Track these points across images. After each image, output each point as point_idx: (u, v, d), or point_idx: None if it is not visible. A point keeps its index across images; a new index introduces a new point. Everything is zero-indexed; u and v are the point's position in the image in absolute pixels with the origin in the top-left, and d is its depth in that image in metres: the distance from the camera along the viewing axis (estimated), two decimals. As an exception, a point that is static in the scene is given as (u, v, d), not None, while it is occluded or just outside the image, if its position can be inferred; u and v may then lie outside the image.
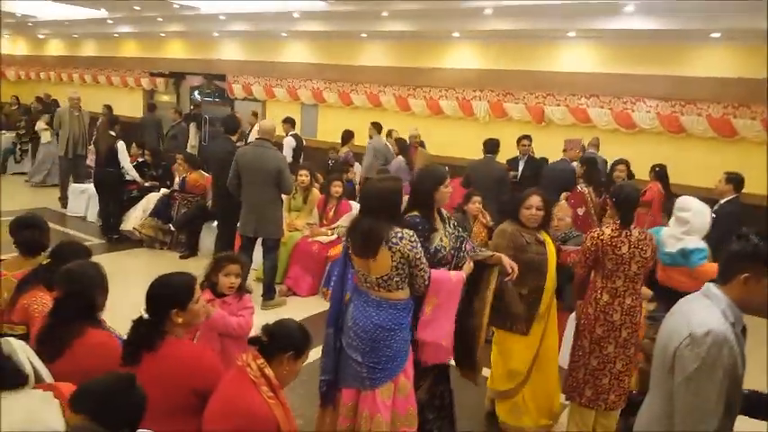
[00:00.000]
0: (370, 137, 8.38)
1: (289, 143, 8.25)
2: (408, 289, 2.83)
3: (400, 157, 7.79)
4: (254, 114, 10.20)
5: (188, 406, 2.16)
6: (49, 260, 2.88)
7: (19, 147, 11.54)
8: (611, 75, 8.00)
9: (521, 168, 7.12)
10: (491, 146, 6.27)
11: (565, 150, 6.62)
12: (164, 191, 7.25)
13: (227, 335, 2.95)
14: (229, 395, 2.09)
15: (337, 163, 7.67)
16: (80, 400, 1.69)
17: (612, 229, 3.29)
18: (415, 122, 9.27)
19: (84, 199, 8.36)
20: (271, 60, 11.32)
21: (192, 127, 10.52)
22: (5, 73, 16.67)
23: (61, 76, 15.42)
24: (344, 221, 6.07)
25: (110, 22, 11.95)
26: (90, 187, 8.33)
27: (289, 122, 8.59)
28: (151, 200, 7.17)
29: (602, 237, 3.28)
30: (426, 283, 2.82)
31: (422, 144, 8.35)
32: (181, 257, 6.83)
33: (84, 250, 2.98)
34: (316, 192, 6.44)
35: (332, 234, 5.98)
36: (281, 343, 2.19)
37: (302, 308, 5.39)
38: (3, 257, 3.22)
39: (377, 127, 8.50)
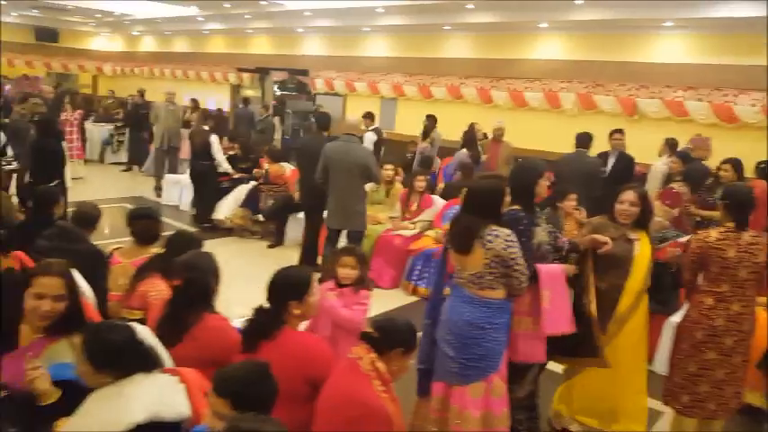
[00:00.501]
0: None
1: (369, 138, 8.35)
2: (503, 289, 2.81)
3: (464, 150, 7.75)
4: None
5: (301, 394, 2.25)
6: (163, 249, 3.07)
7: (116, 138, 12.33)
8: (711, 65, 7.54)
9: (611, 163, 6.85)
10: (583, 139, 6.07)
11: (692, 150, 6.31)
12: (252, 183, 7.53)
13: (338, 325, 3.04)
14: (343, 387, 2.16)
15: (423, 157, 7.67)
16: (224, 385, 1.78)
17: (720, 232, 3.11)
18: (497, 115, 9.13)
19: (177, 189, 8.81)
20: (353, 55, 11.46)
21: (276, 121, 10.85)
22: (103, 68, 17.84)
23: (154, 71, 16.30)
24: (427, 216, 6.09)
25: (200, 19, 12.50)
26: (183, 178, 8.78)
27: (369, 117, 8.69)
28: (241, 191, 7.47)
29: (707, 239, 3.11)
30: (523, 285, 2.79)
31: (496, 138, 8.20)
32: (268, 247, 7.10)
33: (196, 240, 3.16)
34: (398, 185, 6.49)
35: (414, 228, 6.01)
36: (392, 339, 2.23)
37: (385, 300, 5.45)
38: (118, 246, 3.47)
39: (432, 120, 8.58)
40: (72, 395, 2.00)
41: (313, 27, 11.29)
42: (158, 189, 9.31)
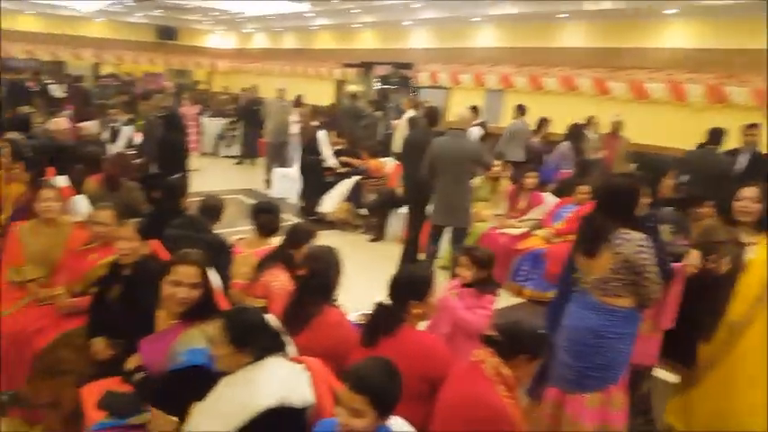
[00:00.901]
0: (514, 119, 8.27)
1: (475, 132, 8.18)
2: (631, 297, 2.63)
3: (567, 142, 7.42)
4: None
5: (419, 392, 2.23)
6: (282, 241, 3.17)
7: (229, 132, 13.00)
8: None
9: (743, 162, 6.23)
10: (715, 136, 5.57)
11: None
12: (356, 177, 7.64)
13: (458, 326, 2.99)
14: (465, 389, 2.11)
15: (532, 153, 7.42)
16: (362, 382, 1.78)
17: None
18: (615, 107, 8.61)
19: (286, 182, 9.13)
20: (460, 46, 11.29)
21: (381, 115, 10.94)
22: (217, 65, 18.87)
23: (264, 68, 17.00)
24: (536, 214, 5.86)
25: (309, 15, 12.84)
26: (291, 171, 9.09)
27: (474, 111, 8.51)
28: (345, 185, 7.61)
29: None
30: (654, 295, 2.61)
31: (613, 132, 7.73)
32: (370, 241, 7.18)
33: (312, 232, 3.23)
34: (505, 181, 6.30)
35: (521, 227, 5.81)
36: (517, 344, 2.15)
37: (490, 300, 5.33)
38: (241, 237, 3.63)
39: (521, 110, 8.46)
40: (204, 380, 2.10)
41: (420, 19, 11.24)
42: (268, 181, 9.70)
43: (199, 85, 18.06)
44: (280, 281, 2.99)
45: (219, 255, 3.55)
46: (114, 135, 6.99)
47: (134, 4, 13.51)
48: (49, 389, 2.84)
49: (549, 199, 6.09)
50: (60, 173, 4.97)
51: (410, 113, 10.10)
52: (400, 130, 9.33)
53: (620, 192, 2.65)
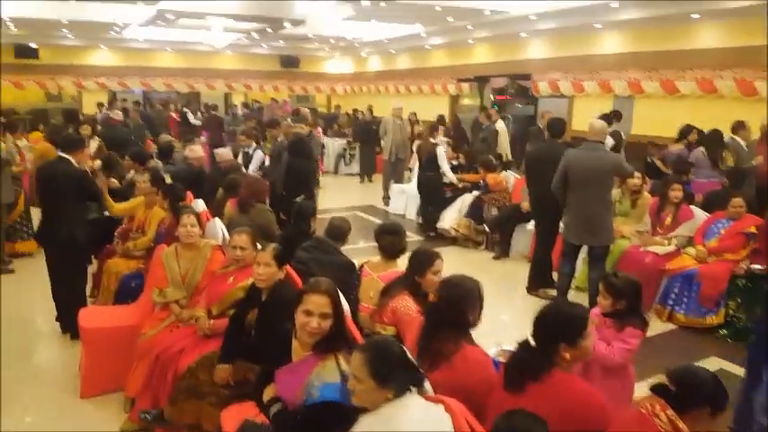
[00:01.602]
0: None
1: (607, 143, 7.61)
2: None
3: (700, 149, 6.82)
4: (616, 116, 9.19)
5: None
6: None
7: (348, 151, 13.36)
8: None
9: None
10: None
11: None
12: (475, 192, 7.40)
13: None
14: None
15: (679, 162, 6.74)
16: None
17: None
18: (764, 110, 7.65)
19: (403, 198, 9.11)
20: (581, 54, 10.71)
21: (499, 128, 10.59)
22: (335, 88, 19.55)
23: (379, 89, 17.33)
24: (685, 230, 5.27)
25: (423, 35, 12.88)
26: (408, 187, 9.05)
27: (616, 117, 8.01)
28: (465, 200, 7.41)
29: None
30: None
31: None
32: (493, 258, 6.89)
33: (435, 256, 3.06)
34: (647, 195, 5.75)
35: (669, 244, 5.24)
36: (695, 395, 1.82)
37: (634, 326, 4.83)
38: (367, 259, 3.55)
39: (617, 116, 8.09)
40: (339, 416, 2.00)
41: (536, 30, 10.83)
42: (386, 198, 9.74)
43: (318, 108, 18.81)
44: (407, 307, 2.84)
45: (348, 277, 3.50)
46: (247, 160, 7.34)
47: (259, 38, 14.34)
48: (190, 410, 2.90)
49: (699, 213, 5.46)
50: (198, 197, 5.27)
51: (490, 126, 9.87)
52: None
53: None
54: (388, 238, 3.41)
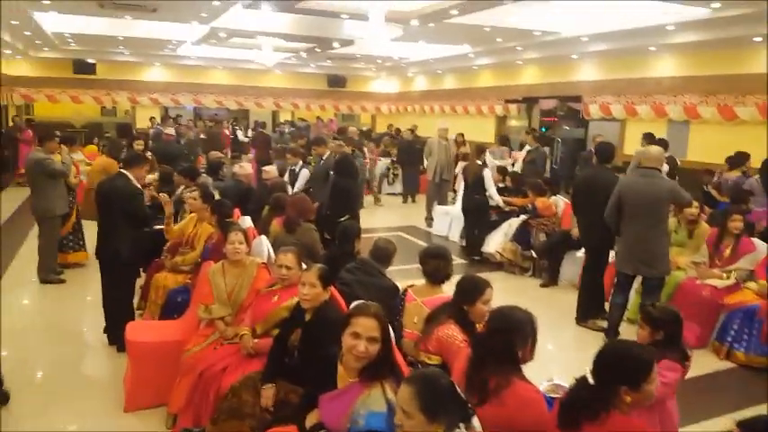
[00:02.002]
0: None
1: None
2: None
3: (755, 177, 6.67)
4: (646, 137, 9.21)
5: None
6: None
7: (392, 171, 13.36)
8: None
9: None
10: None
11: None
12: (523, 216, 7.24)
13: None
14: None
15: (736, 190, 6.46)
16: None
17: None
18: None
19: (446, 220, 9.01)
20: (634, 77, 10.46)
21: (547, 151, 10.44)
22: (380, 108, 19.69)
23: (424, 108, 17.35)
24: (746, 263, 5.00)
25: (471, 56, 12.85)
26: (452, 209, 8.96)
27: (662, 145, 7.71)
28: (512, 224, 7.25)
29: None
30: None
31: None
32: (541, 285, 6.70)
33: (485, 284, 2.97)
34: (705, 226, 5.51)
35: (728, 277, 4.98)
36: None
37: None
38: (412, 283, 3.47)
39: (648, 138, 7.90)
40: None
41: (588, 52, 10.64)
42: (429, 219, 9.65)
43: (362, 127, 18.98)
44: (452, 336, 2.75)
45: (392, 301, 3.44)
46: (293, 178, 7.41)
47: (307, 57, 14.60)
48: (232, 431, 2.87)
49: (760, 245, 5.18)
50: (245, 214, 5.33)
51: (527, 148, 9.69)
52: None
53: None
54: (434, 263, 3.32)
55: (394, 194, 12.86)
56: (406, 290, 3.42)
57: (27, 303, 5.81)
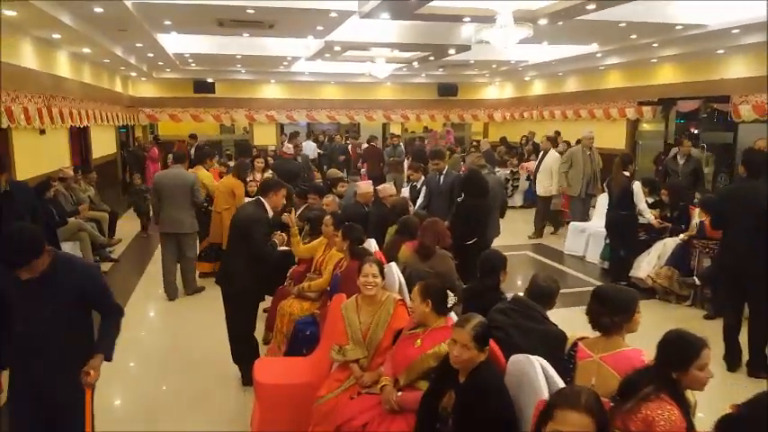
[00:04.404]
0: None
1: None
2: None
3: None
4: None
5: None
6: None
7: (510, 183, 12.62)
8: None
9: None
10: None
11: None
12: (681, 236, 6.26)
13: None
14: None
15: None
16: None
17: None
18: None
19: (583, 238, 8.14)
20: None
21: (703, 158, 9.18)
22: (493, 115, 18.85)
23: (543, 114, 16.31)
24: None
25: (598, 55, 11.81)
26: (590, 226, 8.10)
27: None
28: (668, 245, 6.29)
29: None
30: None
31: None
32: (705, 317, 5.73)
33: (701, 344, 2.28)
34: None
35: None
36: None
37: None
38: (584, 335, 2.83)
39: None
40: None
41: (738, 46, 9.28)
42: (536, 236, 8.84)
43: (473, 136, 18.31)
44: (666, 417, 2.08)
45: (559, 352, 2.83)
46: (414, 194, 6.96)
47: (419, 66, 14.22)
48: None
49: None
50: (368, 236, 4.91)
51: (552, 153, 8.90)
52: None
53: None
54: (598, 309, 2.69)
55: (514, 208, 12.06)
56: (575, 343, 2.78)
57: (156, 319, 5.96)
